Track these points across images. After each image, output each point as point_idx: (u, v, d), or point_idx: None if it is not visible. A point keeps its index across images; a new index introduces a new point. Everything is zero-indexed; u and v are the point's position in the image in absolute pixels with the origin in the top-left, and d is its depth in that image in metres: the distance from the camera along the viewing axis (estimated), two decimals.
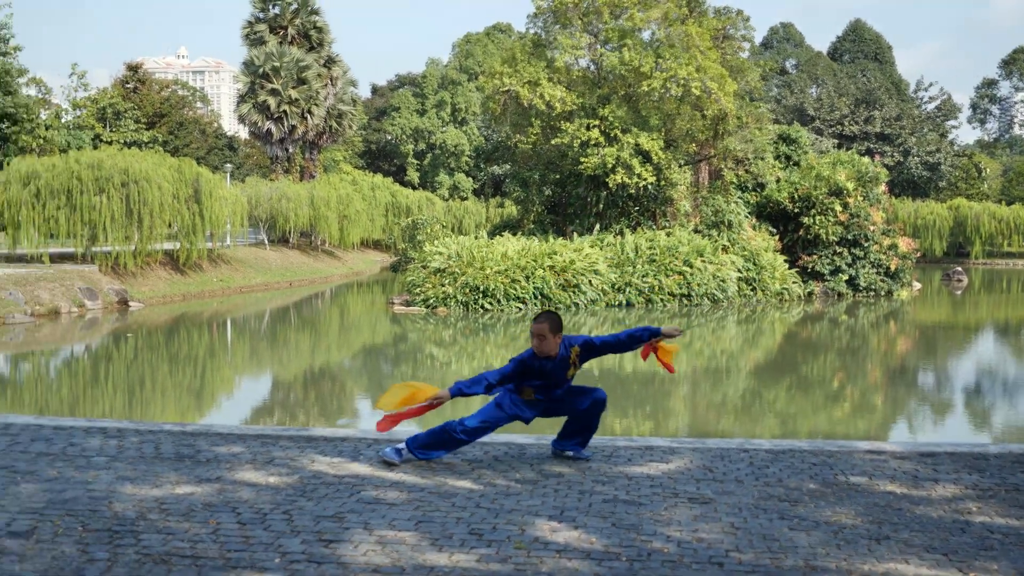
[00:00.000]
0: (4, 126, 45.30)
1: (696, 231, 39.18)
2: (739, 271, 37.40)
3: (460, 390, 7.99)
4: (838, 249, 40.23)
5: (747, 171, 42.44)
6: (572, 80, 39.92)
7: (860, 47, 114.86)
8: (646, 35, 40.67)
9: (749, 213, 41.12)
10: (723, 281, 36.10)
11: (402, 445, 7.94)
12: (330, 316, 37.58)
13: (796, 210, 40.54)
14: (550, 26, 41.76)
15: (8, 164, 38.69)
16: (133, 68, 78.68)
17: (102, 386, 20.58)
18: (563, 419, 8.41)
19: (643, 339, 8.28)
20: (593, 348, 8.17)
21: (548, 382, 8.05)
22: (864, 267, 40.50)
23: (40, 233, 37.02)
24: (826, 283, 40.29)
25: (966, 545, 5.94)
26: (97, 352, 26.14)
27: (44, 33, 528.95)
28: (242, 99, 66.85)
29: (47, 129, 49.53)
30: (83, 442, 8.26)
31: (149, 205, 38.07)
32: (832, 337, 29.60)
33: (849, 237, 40.12)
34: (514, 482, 7.16)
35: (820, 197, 39.83)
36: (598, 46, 40.32)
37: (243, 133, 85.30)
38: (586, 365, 23.04)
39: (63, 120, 59.24)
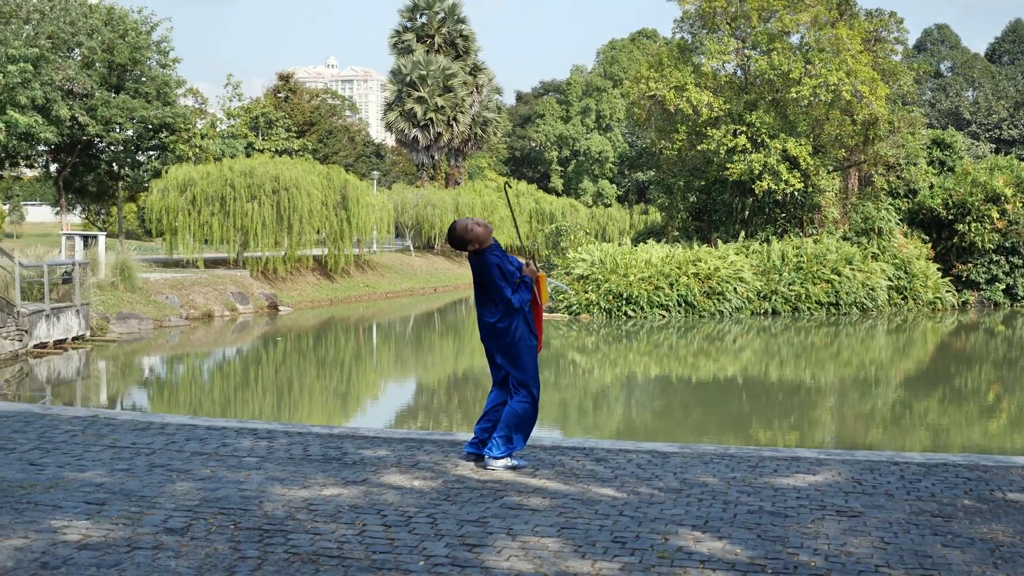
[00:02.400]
0: (163, 135, 46.85)
1: (845, 238, 38.35)
2: (889, 279, 36.46)
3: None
4: (995, 257, 38.87)
5: (899, 177, 41.40)
6: (719, 85, 39.52)
7: (1020, 48, 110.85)
8: (795, 39, 40.05)
9: (900, 220, 40.08)
10: (872, 290, 35.25)
11: (512, 462, 7.76)
12: (473, 322, 37.84)
13: (950, 217, 39.32)
14: (697, 31, 41.41)
15: (166, 172, 40.03)
16: (284, 78, 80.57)
17: (252, 388, 21.12)
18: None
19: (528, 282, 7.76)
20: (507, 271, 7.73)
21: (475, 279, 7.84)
22: (1023, 276, 39.04)
23: (195, 239, 38.20)
24: (982, 292, 39.00)
25: None
26: (248, 355, 26.84)
27: (202, 45, 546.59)
28: (389, 107, 67.94)
29: (203, 138, 51.02)
30: (235, 442, 8.47)
31: (299, 211, 38.96)
32: (988, 348, 28.64)
33: (1007, 245, 38.72)
34: (657, 490, 7.09)
35: (976, 203, 38.56)
36: (746, 50, 39.83)
37: (390, 141, 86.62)
38: (714, 370, 22.76)
39: (218, 129, 60.96)
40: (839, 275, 34.94)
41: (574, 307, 33.00)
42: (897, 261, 37.29)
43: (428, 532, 5.81)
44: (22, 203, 73.08)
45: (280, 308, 36.41)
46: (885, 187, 41.00)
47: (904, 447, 14.10)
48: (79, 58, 44.92)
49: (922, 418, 17.75)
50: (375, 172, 70.63)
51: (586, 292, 33.18)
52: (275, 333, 30.99)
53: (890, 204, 40.38)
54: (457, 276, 56.95)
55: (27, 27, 44.10)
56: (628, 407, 19.35)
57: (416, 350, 28.56)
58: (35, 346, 22.71)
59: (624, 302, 32.75)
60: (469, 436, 9.08)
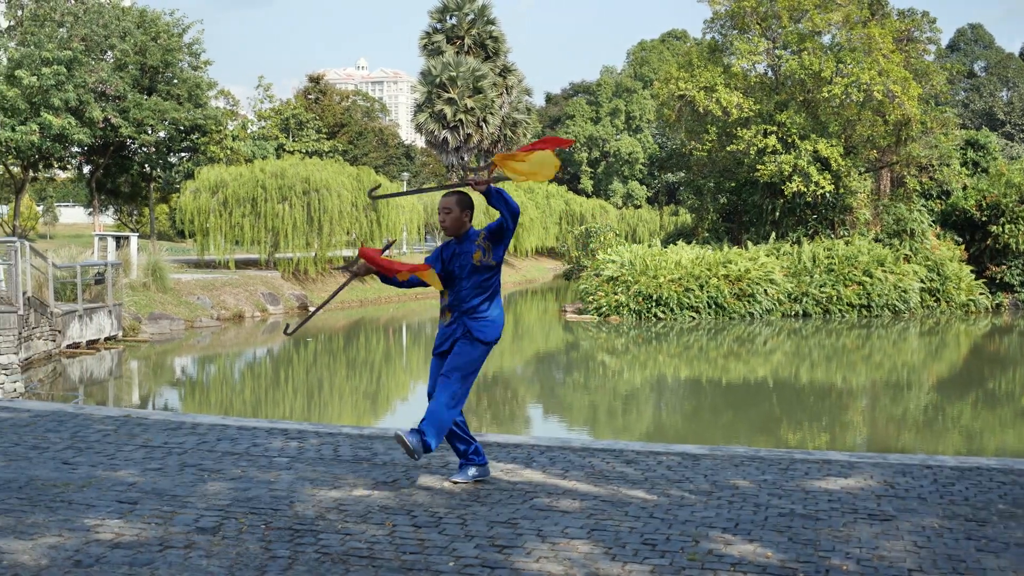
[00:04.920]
0: (194, 137, 47.13)
1: (876, 240, 38.11)
2: (922, 281, 36.21)
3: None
4: None
5: (931, 178, 41.11)
6: (749, 86, 39.37)
7: None
8: (826, 39, 39.85)
9: (933, 222, 39.80)
10: (905, 292, 35.03)
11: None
12: (507, 324, 37.84)
13: (984, 218, 39.01)
14: (727, 31, 41.29)
15: (198, 174, 40.28)
16: (315, 79, 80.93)
17: (283, 388, 21.21)
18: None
19: (492, 192, 7.10)
20: (494, 228, 7.29)
21: (454, 267, 7.28)
22: None
23: (226, 240, 38.42)
24: (1016, 294, 38.65)
25: None
26: (278, 356, 26.96)
27: (233, 47, 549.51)
28: (419, 108, 68.05)
29: (234, 140, 51.30)
30: (266, 442, 8.51)
31: (329, 213, 39.12)
32: (1022, 351, 28.40)
33: None
34: (688, 493, 7.07)
35: (1011, 205, 38.24)
36: (776, 51, 39.67)
37: (420, 142, 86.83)
38: (744, 372, 22.66)
39: (249, 131, 61.28)
40: (871, 277, 34.74)
41: (603, 309, 32.95)
42: (930, 263, 37.02)
43: (458, 533, 5.81)
44: (55, 204, 73.64)
45: (310, 309, 36.54)
46: (918, 188, 40.73)
47: (937, 450, 14.00)
48: (112, 60, 45.26)
49: (955, 421, 17.63)
50: (405, 173, 70.84)
51: (616, 294, 33.13)
52: (305, 334, 31.11)
53: (923, 206, 40.12)
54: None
55: (61, 30, 44.50)
56: (658, 409, 19.31)
57: None
58: (68, 346, 22.89)
59: (654, 304, 32.68)
60: (500, 437, 9.09)
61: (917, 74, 39.35)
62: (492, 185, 6.96)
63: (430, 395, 7.32)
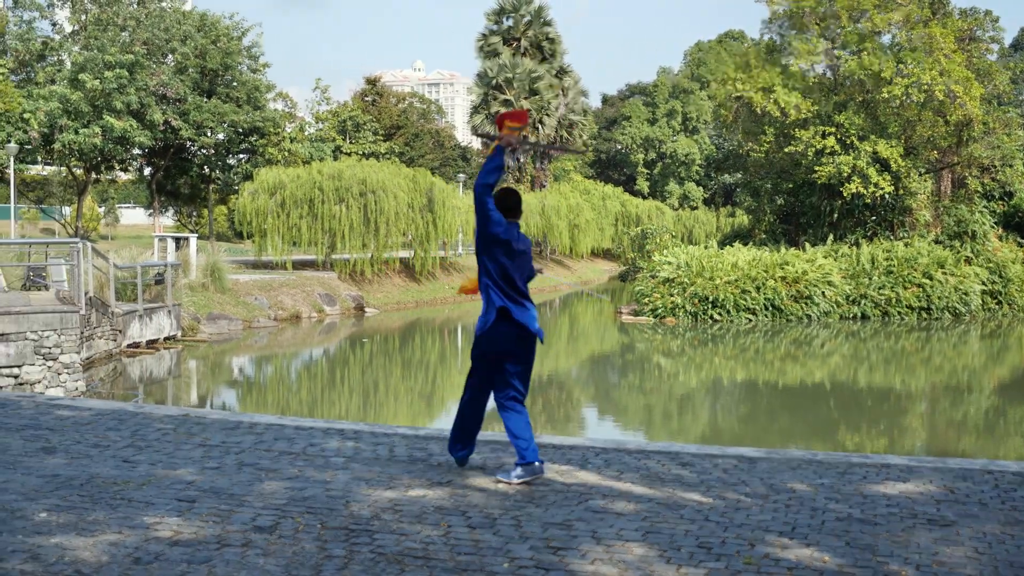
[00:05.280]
0: (253, 139, 47.58)
1: (937, 242, 37.64)
2: (983, 284, 35.70)
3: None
4: None
5: (993, 179, 40.54)
6: (807, 86, 39.04)
7: None
8: (886, 39, 39.45)
9: (995, 223, 39.26)
10: (965, 294, 34.55)
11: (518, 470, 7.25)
12: (558, 325, 37.86)
13: None
14: (785, 31, 40.97)
15: (257, 175, 40.65)
16: (372, 81, 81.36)
17: (339, 389, 21.33)
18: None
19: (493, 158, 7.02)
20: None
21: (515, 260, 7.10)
22: None
23: (284, 241, 38.74)
24: None
25: None
26: (334, 356, 27.12)
27: (291, 50, 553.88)
28: (475, 110, 68.20)
29: (292, 142, 51.73)
30: (322, 442, 8.56)
31: (385, 214, 39.31)
32: None
33: None
34: (744, 496, 7.02)
35: None
36: (835, 51, 39.30)
37: (476, 144, 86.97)
38: (801, 374, 22.46)
39: (306, 133, 61.76)
40: (931, 279, 34.30)
41: (659, 310, 32.83)
42: (991, 265, 36.51)
43: (513, 535, 5.81)
44: (117, 206, 74.62)
45: (366, 310, 36.74)
46: (979, 189, 40.19)
47: (998, 455, 13.80)
48: (172, 64, 45.82)
49: (1017, 426, 17.37)
50: (461, 175, 70.86)
51: (672, 295, 32.98)
52: (361, 335, 31.27)
53: (984, 207, 39.58)
54: (542, 279, 56.97)
55: (123, 34, 45.15)
56: (714, 411, 19.20)
57: None
58: (128, 346, 23.18)
59: (710, 306, 32.50)
60: (555, 439, 9.07)
61: (979, 74, 38.83)
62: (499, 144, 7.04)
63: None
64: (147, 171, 50.20)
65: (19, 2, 48.51)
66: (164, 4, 49.28)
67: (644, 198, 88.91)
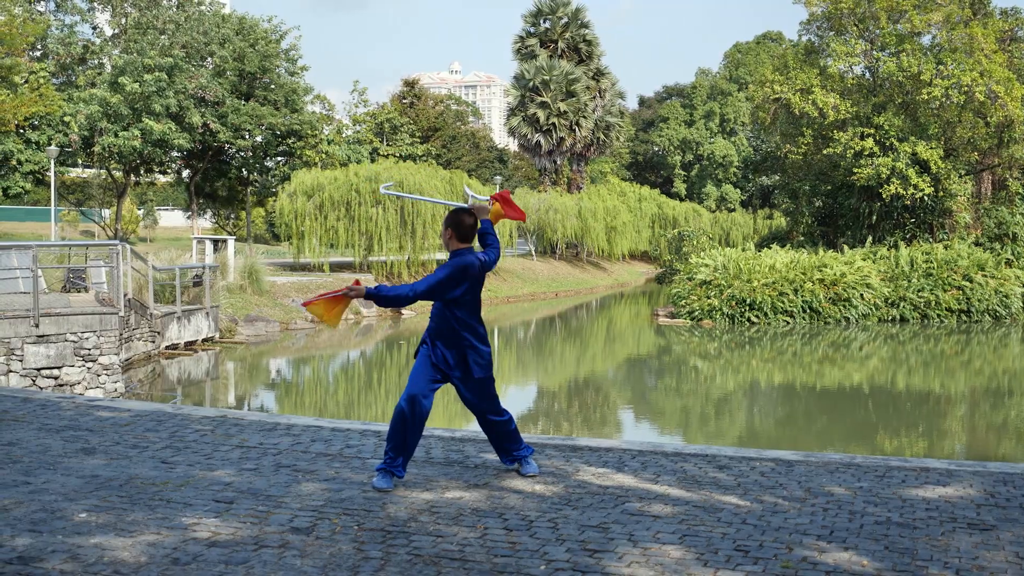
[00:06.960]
0: (291, 141, 47.85)
1: (977, 244, 37.31)
2: None
3: (379, 289, 6.78)
4: None
5: None
6: (846, 88, 38.81)
7: None
8: (926, 40, 39.15)
9: None
10: (1006, 297, 34.21)
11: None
12: (595, 327, 37.80)
13: None
14: (824, 33, 40.77)
15: (295, 177, 40.87)
16: (410, 84, 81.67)
17: (376, 391, 21.40)
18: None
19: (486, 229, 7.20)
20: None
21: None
22: None
23: (321, 243, 38.90)
24: None
25: None
26: (371, 358, 27.21)
27: (329, 52, 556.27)
28: (512, 112, 68.23)
29: (329, 144, 51.98)
30: (359, 444, 8.58)
31: (422, 216, 39.41)
32: None
33: None
34: (781, 499, 6.98)
35: None
36: (874, 52, 39.05)
37: (512, 146, 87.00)
38: (839, 377, 22.30)
39: (344, 135, 62.09)
40: (971, 282, 33.99)
41: (696, 313, 32.72)
42: None
43: (549, 536, 5.80)
44: (155, 208, 75.22)
45: (403, 312, 36.82)
46: (1020, 191, 39.78)
47: None
48: (211, 67, 46.16)
49: None
50: (498, 177, 71.02)
51: (709, 298, 32.86)
52: (398, 337, 31.35)
53: None
54: (579, 281, 56.93)
55: (163, 38, 45.50)
56: (751, 414, 19.11)
57: (537, 355, 28.61)
58: (167, 347, 23.35)
59: (747, 308, 32.35)
60: (591, 441, 9.05)
61: (1021, 74, 38.46)
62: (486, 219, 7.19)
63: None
64: (185, 174, 50.59)
65: (61, 6, 49.04)
66: (203, 8, 49.64)
67: (681, 200, 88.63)
